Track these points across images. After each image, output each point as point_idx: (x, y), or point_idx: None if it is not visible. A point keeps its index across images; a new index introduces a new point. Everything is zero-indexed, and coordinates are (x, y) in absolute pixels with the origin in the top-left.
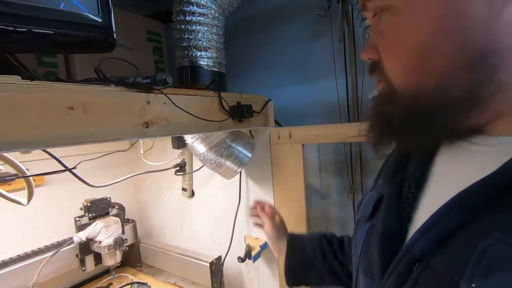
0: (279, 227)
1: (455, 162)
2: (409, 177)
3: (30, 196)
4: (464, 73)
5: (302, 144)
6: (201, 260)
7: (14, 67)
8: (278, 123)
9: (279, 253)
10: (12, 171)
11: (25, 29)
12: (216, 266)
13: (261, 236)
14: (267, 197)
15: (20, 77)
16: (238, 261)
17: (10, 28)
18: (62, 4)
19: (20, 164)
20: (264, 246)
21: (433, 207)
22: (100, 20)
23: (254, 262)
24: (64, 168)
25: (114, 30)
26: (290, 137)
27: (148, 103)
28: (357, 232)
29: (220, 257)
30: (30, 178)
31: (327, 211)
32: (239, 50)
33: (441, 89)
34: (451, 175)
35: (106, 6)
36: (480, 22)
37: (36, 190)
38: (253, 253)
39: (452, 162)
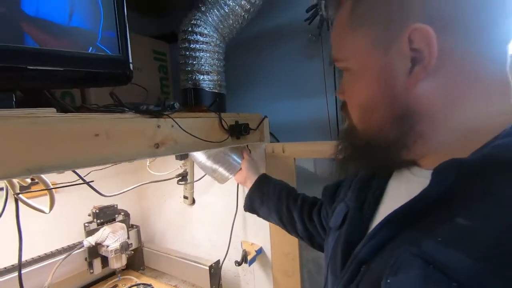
0: (255, 165)
1: (399, 186)
2: (370, 195)
3: (52, 205)
4: (393, 125)
5: (294, 158)
6: (201, 264)
7: (48, 99)
8: (274, 136)
9: (244, 182)
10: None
11: (62, 69)
12: (215, 270)
13: (256, 241)
14: None
15: (55, 110)
16: (235, 265)
17: (53, 69)
18: (91, 48)
19: (45, 178)
20: (259, 251)
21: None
22: (120, 58)
23: (249, 266)
24: (82, 181)
25: (131, 64)
26: (283, 152)
27: (158, 127)
28: (329, 238)
29: (218, 261)
30: (53, 190)
31: None
32: (237, 69)
33: (381, 134)
34: (396, 197)
35: (125, 46)
36: (400, 93)
37: (48, 198)
38: (249, 258)
39: (398, 186)
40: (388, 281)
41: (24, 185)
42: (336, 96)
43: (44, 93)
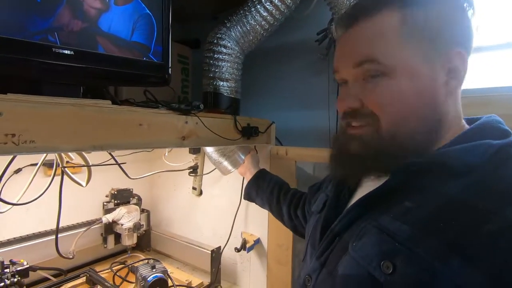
0: (257, 161)
1: (371, 183)
2: (345, 189)
3: (88, 180)
4: (425, 129)
5: (295, 161)
6: (204, 248)
7: (102, 92)
8: (279, 141)
9: (245, 173)
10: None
11: (122, 71)
12: (216, 254)
13: (255, 233)
14: None
15: (110, 102)
16: (235, 251)
17: (114, 70)
18: (145, 58)
19: (86, 156)
20: (257, 241)
21: None
22: (164, 66)
23: (248, 252)
24: (115, 162)
25: (170, 70)
26: (286, 154)
27: (186, 122)
28: (310, 220)
29: (219, 247)
30: (91, 167)
31: None
32: (252, 78)
33: (411, 136)
34: (368, 189)
35: (167, 56)
36: (439, 102)
37: (86, 173)
38: (248, 245)
39: (370, 182)
40: (354, 244)
41: (70, 161)
42: (337, 110)
43: (101, 88)
